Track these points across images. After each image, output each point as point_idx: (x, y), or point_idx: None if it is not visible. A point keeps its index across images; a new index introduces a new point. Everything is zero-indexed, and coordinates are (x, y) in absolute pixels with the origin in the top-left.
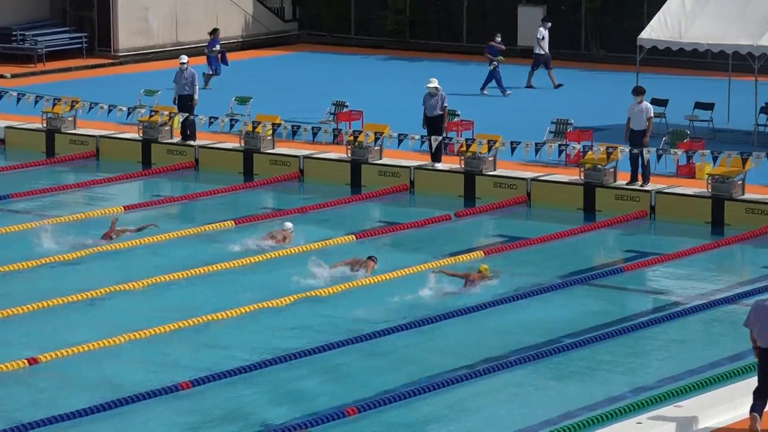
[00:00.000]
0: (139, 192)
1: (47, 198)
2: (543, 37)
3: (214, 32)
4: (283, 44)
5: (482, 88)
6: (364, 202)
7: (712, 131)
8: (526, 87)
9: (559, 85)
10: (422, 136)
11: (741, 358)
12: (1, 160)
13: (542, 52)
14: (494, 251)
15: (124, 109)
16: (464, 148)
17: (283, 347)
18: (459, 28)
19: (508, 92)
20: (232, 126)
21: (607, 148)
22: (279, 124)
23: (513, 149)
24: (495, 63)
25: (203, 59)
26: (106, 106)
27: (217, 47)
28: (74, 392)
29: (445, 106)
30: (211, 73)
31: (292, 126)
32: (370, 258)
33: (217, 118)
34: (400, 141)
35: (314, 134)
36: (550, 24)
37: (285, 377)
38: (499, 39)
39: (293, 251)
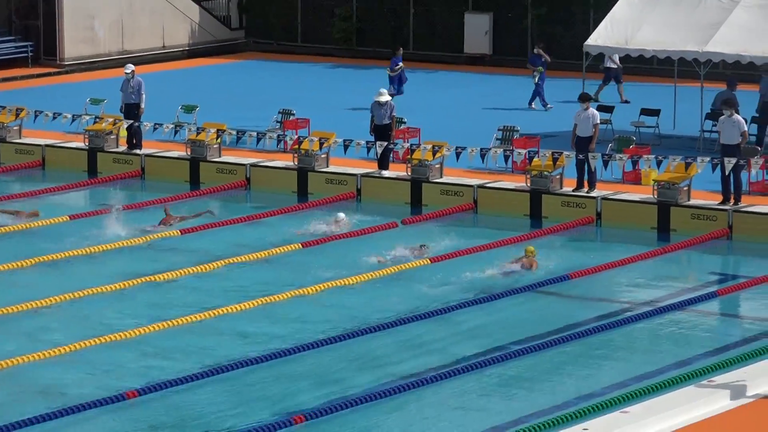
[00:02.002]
0: (86, 201)
1: None
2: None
3: (397, 50)
4: (229, 52)
5: (530, 103)
6: (310, 209)
7: (658, 137)
8: (593, 100)
9: (626, 101)
10: (368, 142)
11: (687, 363)
12: None
13: (613, 66)
14: (440, 258)
15: (69, 116)
16: (410, 155)
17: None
18: (406, 36)
19: (549, 105)
20: (176, 132)
21: (553, 154)
22: (223, 131)
23: (458, 155)
24: (536, 74)
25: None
26: (51, 114)
27: (400, 65)
28: (21, 401)
29: (393, 115)
30: (393, 93)
31: (237, 132)
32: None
33: (161, 124)
34: (346, 147)
35: (258, 140)
36: None
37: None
38: (536, 50)
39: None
